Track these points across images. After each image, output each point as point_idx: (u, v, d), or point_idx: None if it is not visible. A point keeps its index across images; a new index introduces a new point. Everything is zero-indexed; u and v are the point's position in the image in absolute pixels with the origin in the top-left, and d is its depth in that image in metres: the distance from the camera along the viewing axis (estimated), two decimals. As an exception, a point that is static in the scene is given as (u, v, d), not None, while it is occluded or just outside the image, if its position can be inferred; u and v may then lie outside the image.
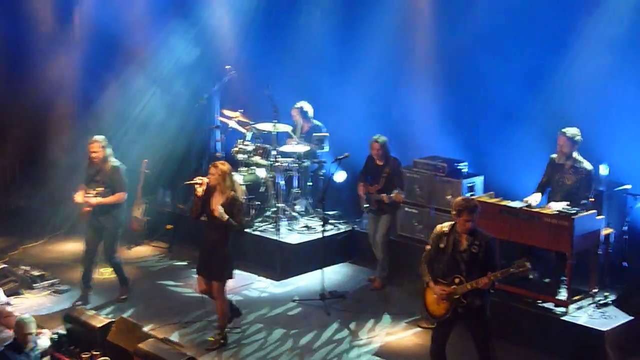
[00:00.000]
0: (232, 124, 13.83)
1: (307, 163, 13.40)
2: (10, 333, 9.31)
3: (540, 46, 11.59)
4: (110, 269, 11.78)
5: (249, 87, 14.38)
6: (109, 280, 11.80)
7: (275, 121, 12.92)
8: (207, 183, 9.90)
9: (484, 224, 8.42)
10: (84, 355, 8.66)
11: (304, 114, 13.54)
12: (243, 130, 13.74)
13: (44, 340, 9.12)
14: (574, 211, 9.73)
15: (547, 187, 10.47)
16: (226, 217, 9.69)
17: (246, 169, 13.39)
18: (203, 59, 15.17)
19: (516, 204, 10.17)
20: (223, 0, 14.96)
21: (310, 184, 13.67)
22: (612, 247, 10.55)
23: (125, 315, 10.20)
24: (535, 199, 10.25)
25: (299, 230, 12.95)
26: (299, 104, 13.55)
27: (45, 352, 9.01)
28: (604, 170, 10.80)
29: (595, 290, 10.19)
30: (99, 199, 10.90)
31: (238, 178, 12.22)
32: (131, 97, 15.29)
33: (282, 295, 11.73)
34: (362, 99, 13.62)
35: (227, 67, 14.10)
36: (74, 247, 13.12)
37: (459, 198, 8.56)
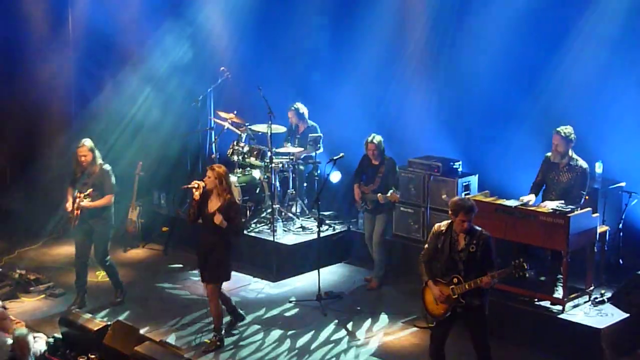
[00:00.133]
0: (227, 125, 13.82)
1: (302, 164, 13.41)
2: (5, 336, 9.28)
3: (534, 45, 11.61)
4: (103, 272, 11.74)
5: (243, 88, 14.36)
6: (104, 283, 11.77)
7: (270, 122, 12.91)
8: (204, 186, 9.91)
9: (479, 223, 8.42)
10: (80, 359, 8.64)
11: (299, 115, 13.54)
12: (238, 132, 13.73)
13: (39, 345, 9.08)
14: (569, 209, 9.74)
15: (542, 186, 10.48)
16: (225, 223, 9.70)
17: (241, 170, 13.39)
18: (197, 61, 15.17)
19: (511, 203, 10.17)
20: (217, 2, 14.94)
21: (306, 184, 13.68)
22: (607, 245, 10.57)
23: (121, 318, 10.20)
24: (530, 199, 10.25)
25: (294, 231, 12.96)
26: (294, 105, 13.54)
27: (41, 357, 8.97)
28: (598, 168, 10.83)
29: (591, 288, 10.20)
30: (90, 202, 10.86)
31: (233, 179, 12.23)
32: (126, 99, 15.30)
33: (279, 296, 11.72)
34: (357, 98, 13.62)
35: (221, 68, 14.08)
36: (69, 250, 13.07)
37: (456, 198, 8.57)
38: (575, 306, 9.99)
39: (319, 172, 13.49)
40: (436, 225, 8.63)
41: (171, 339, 10.18)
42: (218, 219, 9.70)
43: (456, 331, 8.73)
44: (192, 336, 10.41)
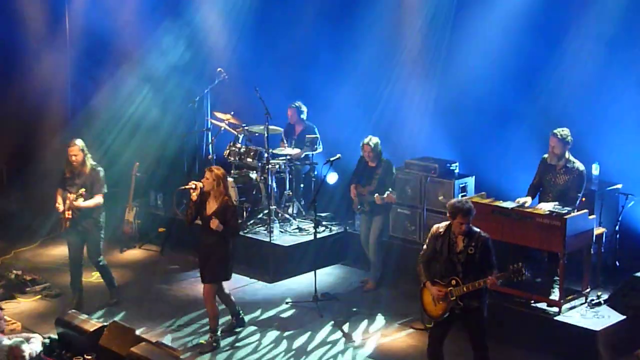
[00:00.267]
0: (224, 126, 13.82)
1: (299, 165, 13.41)
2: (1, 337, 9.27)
3: (532, 47, 11.60)
4: (97, 273, 11.73)
5: (240, 89, 14.35)
6: (100, 284, 11.72)
7: (267, 123, 12.91)
8: (201, 187, 9.91)
9: (476, 225, 8.41)
10: (75, 360, 8.65)
11: (300, 112, 13.51)
12: (234, 133, 13.72)
13: (35, 346, 9.06)
14: (566, 211, 9.74)
15: (539, 188, 10.47)
16: (222, 227, 9.72)
17: (238, 171, 13.38)
18: (195, 61, 15.16)
19: (508, 204, 10.17)
20: (215, 2, 14.94)
21: (302, 185, 13.67)
22: (604, 247, 10.57)
23: (117, 319, 10.18)
24: (526, 200, 10.25)
25: (291, 232, 12.95)
26: (296, 103, 13.53)
27: (37, 358, 8.96)
28: (595, 169, 10.83)
29: (588, 290, 10.20)
30: (82, 203, 10.81)
31: (229, 180, 12.21)
32: (123, 100, 15.29)
33: (275, 298, 11.71)
34: (354, 99, 13.61)
35: (218, 69, 14.08)
36: (65, 251, 12.93)
37: (454, 200, 8.55)
38: (571, 308, 9.99)
39: (315, 173, 13.48)
40: (434, 226, 8.63)
41: (167, 340, 10.16)
42: (214, 223, 9.71)
43: (454, 332, 8.73)
44: (188, 337, 10.40)
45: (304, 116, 13.58)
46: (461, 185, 11.74)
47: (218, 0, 14.91)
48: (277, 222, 12.93)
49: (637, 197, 10.81)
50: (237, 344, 10.26)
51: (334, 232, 13.07)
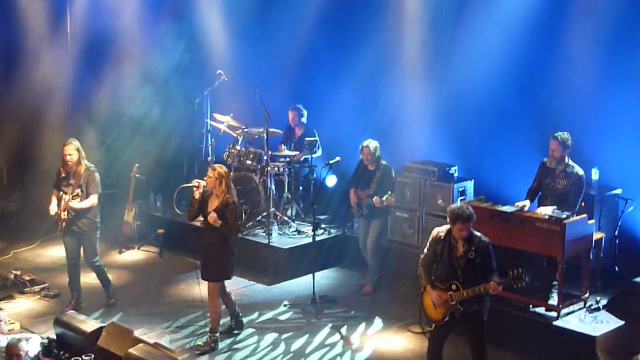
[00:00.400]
0: (223, 128, 13.82)
1: (298, 167, 13.42)
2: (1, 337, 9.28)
3: (531, 51, 11.58)
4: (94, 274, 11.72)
5: (240, 91, 14.36)
6: (99, 284, 11.72)
7: (267, 125, 12.91)
8: (204, 186, 9.94)
9: (475, 229, 8.41)
10: (73, 360, 8.65)
11: (300, 115, 13.53)
12: (234, 135, 13.73)
13: (33, 346, 9.06)
14: (565, 215, 9.73)
15: (538, 192, 10.47)
16: (219, 222, 9.73)
17: (237, 173, 13.38)
18: (195, 63, 15.17)
19: (507, 209, 10.17)
20: (215, 4, 14.95)
21: (301, 188, 13.67)
22: (603, 252, 10.56)
23: (115, 320, 10.18)
24: (525, 204, 10.25)
25: (290, 234, 12.95)
26: (297, 105, 13.54)
27: (35, 358, 8.96)
28: (594, 174, 10.83)
29: (587, 295, 10.19)
30: (77, 204, 10.79)
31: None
32: (123, 101, 15.29)
33: (273, 300, 11.70)
34: (353, 103, 13.62)
35: (218, 71, 14.08)
36: (64, 251, 13.05)
37: (454, 206, 8.49)
38: (570, 313, 9.97)
39: (314, 176, 13.48)
40: (435, 230, 8.62)
41: (165, 341, 10.15)
42: (212, 217, 9.73)
43: (453, 336, 8.74)
44: (186, 339, 10.39)
45: (304, 119, 13.60)
46: (460, 189, 11.74)
47: (218, 2, 14.92)
48: (275, 224, 12.93)
49: (636, 202, 10.81)
50: (235, 346, 10.25)
51: (332, 235, 13.07)
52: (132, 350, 8.15)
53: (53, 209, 10.87)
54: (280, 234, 12.89)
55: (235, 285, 11.85)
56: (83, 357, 8.62)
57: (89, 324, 9.04)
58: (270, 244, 12.51)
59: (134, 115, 15.21)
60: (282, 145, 13.59)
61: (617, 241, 10.81)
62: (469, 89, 12.18)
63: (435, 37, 12.66)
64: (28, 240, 13.81)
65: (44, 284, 11.90)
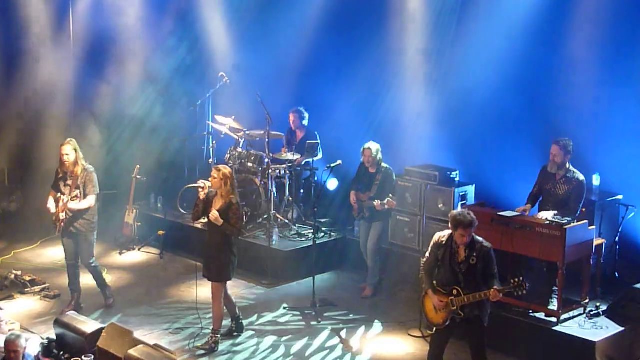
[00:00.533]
0: (225, 130, 13.82)
1: (299, 171, 13.42)
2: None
3: (533, 56, 11.60)
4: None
5: (242, 94, 14.37)
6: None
7: (268, 128, 12.92)
8: (209, 187, 9.95)
9: (476, 233, 8.41)
10: (73, 361, 8.65)
11: (302, 118, 13.53)
12: (236, 137, 13.73)
13: (33, 346, 9.06)
14: (566, 221, 9.74)
15: (539, 197, 10.48)
16: (221, 221, 9.74)
17: (238, 175, 13.38)
18: (197, 65, 15.18)
19: (508, 214, 10.17)
20: (217, 7, 14.96)
21: (302, 191, 13.67)
22: (603, 258, 10.56)
23: (115, 321, 10.18)
24: (526, 209, 10.26)
25: (290, 237, 12.95)
26: (299, 108, 13.55)
27: (35, 358, 8.96)
28: (596, 180, 10.82)
29: (587, 300, 10.18)
30: (75, 205, 10.78)
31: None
32: (125, 102, 15.31)
33: (273, 303, 11.70)
34: (355, 106, 13.62)
35: (220, 74, 14.09)
36: (64, 252, 13.08)
37: (455, 212, 8.49)
38: (570, 318, 9.97)
39: (316, 179, 13.48)
40: (437, 235, 8.63)
41: (165, 343, 10.14)
42: (213, 215, 9.75)
43: (453, 341, 8.76)
44: (185, 341, 10.39)
45: (305, 122, 13.60)
46: (461, 194, 11.73)
47: (221, 5, 14.94)
48: (276, 227, 12.93)
49: (637, 208, 10.81)
50: (235, 349, 10.25)
51: (333, 238, 13.07)
52: (132, 352, 8.15)
53: (52, 208, 10.86)
54: (281, 237, 12.89)
55: (235, 288, 11.85)
56: (83, 358, 8.61)
57: (89, 325, 9.04)
58: (271, 246, 12.51)
59: (135, 116, 15.23)
60: (285, 148, 13.60)
61: (617, 247, 10.81)
62: (471, 93, 12.20)
63: (437, 42, 12.67)
64: (29, 240, 13.81)
65: (44, 285, 11.91)
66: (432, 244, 8.63)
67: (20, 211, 15.11)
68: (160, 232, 13.63)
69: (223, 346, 10.22)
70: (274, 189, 13.08)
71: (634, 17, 10.85)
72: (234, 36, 14.91)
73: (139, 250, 13.69)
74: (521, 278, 8.29)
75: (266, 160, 13.03)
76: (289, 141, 13.70)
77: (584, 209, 10.25)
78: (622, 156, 10.90)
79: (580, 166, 10.31)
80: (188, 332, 10.62)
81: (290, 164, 13.23)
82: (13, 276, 11.94)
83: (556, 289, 10.00)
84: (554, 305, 10.01)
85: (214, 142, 14.15)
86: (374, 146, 11.55)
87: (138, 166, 13.87)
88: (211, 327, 10.24)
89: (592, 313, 10.07)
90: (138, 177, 13.82)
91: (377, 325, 10.94)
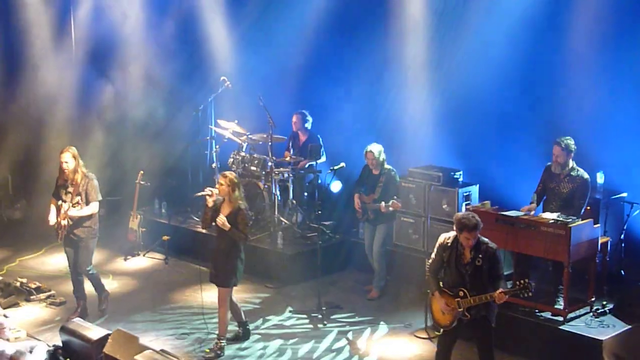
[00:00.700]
0: (228, 134, 13.82)
1: (302, 173, 13.42)
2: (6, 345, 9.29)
3: (535, 55, 11.58)
4: (109, 279, 11.70)
5: (244, 98, 14.37)
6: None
7: (271, 132, 12.92)
8: (217, 194, 9.96)
9: (480, 233, 8.40)
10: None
11: (305, 121, 13.51)
12: (238, 141, 13.73)
13: (39, 355, 9.06)
14: (571, 219, 9.72)
15: (543, 196, 10.46)
16: (228, 226, 9.74)
17: (242, 179, 13.36)
18: (199, 69, 15.18)
19: (512, 213, 10.15)
20: (219, 10, 14.96)
21: (306, 194, 13.67)
22: (609, 256, 10.54)
23: (121, 327, 10.17)
24: (530, 209, 10.24)
25: (294, 240, 12.94)
26: (302, 110, 13.54)
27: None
28: (600, 178, 10.81)
29: (593, 299, 10.17)
30: (76, 212, 10.76)
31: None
32: (127, 108, 15.32)
33: (278, 306, 11.70)
34: (358, 108, 13.62)
35: (222, 78, 14.09)
36: (67, 260, 13.08)
37: (460, 215, 8.48)
38: (576, 317, 9.96)
39: (319, 181, 13.48)
40: (442, 236, 8.62)
41: (171, 348, 10.14)
42: (220, 220, 9.76)
43: (461, 342, 8.75)
44: (191, 346, 10.39)
45: (308, 125, 13.59)
46: (465, 194, 11.72)
47: (222, 9, 14.93)
48: (280, 230, 12.91)
49: (642, 206, 10.81)
50: (241, 353, 10.25)
51: (337, 241, 13.05)
52: (138, 357, 8.15)
53: (52, 219, 10.85)
54: (285, 240, 12.87)
55: (240, 292, 11.84)
56: (89, 364, 8.63)
57: (94, 332, 9.03)
58: (275, 249, 12.50)
59: (138, 122, 15.23)
60: (288, 152, 13.60)
61: (622, 245, 10.78)
62: (474, 93, 12.17)
63: (438, 42, 12.66)
64: (34, 248, 13.83)
65: (49, 292, 11.91)
66: (437, 245, 8.62)
67: (25, 219, 15.13)
68: (165, 238, 13.63)
69: (229, 350, 10.21)
70: (278, 192, 13.08)
71: (637, 14, 10.83)
72: (236, 39, 14.90)
73: (143, 255, 13.69)
74: (526, 280, 8.29)
75: (269, 163, 13.02)
76: (292, 144, 13.68)
77: (588, 207, 10.24)
78: (626, 154, 10.88)
79: (584, 164, 10.29)
80: (194, 337, 10.62)
81: (293, 167, 13.22)
82: (18, 284, 11.94)
83: (562, 287, 9.99)
84: (560, 304, 9.99)
85: (217, 146, 14.14)
86: (376, 148, 11.54)
87: (141, 172, 13.87)
88: (216, 332, 10.23)
89: (598, 311, 10.05)
90: (142, 182, 13.82)
91: (383, 327, 10.93)
